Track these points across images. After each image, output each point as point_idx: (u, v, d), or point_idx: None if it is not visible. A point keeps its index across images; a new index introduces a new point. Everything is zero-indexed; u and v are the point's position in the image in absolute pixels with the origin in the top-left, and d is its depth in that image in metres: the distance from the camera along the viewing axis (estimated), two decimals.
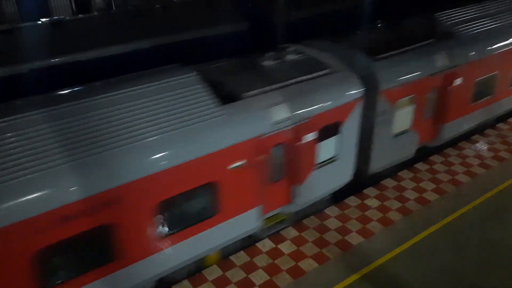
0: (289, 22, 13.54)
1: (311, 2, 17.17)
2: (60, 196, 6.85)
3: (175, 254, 8.54)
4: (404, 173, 12.14)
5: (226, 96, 8.83)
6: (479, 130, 14.08)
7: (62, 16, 13.30)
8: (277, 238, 9.95)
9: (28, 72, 11.59)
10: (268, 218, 9.97)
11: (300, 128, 9.39)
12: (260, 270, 9.13)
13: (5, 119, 7.16)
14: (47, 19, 13.17)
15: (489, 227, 10.20)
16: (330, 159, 10.26)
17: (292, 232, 10.10)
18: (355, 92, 10.14)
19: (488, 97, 13.45)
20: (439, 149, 13.10)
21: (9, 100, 7.93)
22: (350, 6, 17.24)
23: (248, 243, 9.88)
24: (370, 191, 11.46)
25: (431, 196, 11.24)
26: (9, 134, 7.02)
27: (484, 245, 9.71)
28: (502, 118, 14.80)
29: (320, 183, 10.33)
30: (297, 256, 9.48)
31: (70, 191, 6.91)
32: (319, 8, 16.99)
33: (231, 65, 10.24)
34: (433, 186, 11.62)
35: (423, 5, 15.22)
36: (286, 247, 9.69)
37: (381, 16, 14.08)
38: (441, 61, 11.59)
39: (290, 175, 9.79)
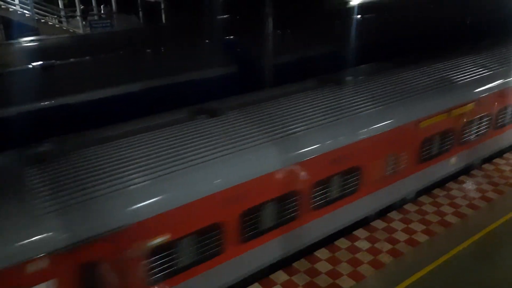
0: (277, 65, 13.92)
1: (297, 46, 17.70)
2: None
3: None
4: (393, 214, 12.14)
5: None
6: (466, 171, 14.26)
7: (53, 60, 13.49)
8: (266, 282, 9.74)
9: (18, 115, 11.63)
10: None
11: None
12: None
13: None
14: (38, 63, 13.33)
15: (480, 269, 10.12)
16: None
17: (282, 276, 9.92)
18: None
19: None
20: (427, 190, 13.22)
21: None
22: (334, 50, 17.82)
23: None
24: (360, 232, 11.40)
25: (421, 238, 11.21)
26: None
27: (475, 287, 9.62)
28: (488, 159, 15.01)
29: None
30: None
31: None
32: (305, 52, 17.51)
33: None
34: (422, 227, 11.61)
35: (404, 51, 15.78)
36: None
37: (366, 60, 14.52)
38: None
39: None
